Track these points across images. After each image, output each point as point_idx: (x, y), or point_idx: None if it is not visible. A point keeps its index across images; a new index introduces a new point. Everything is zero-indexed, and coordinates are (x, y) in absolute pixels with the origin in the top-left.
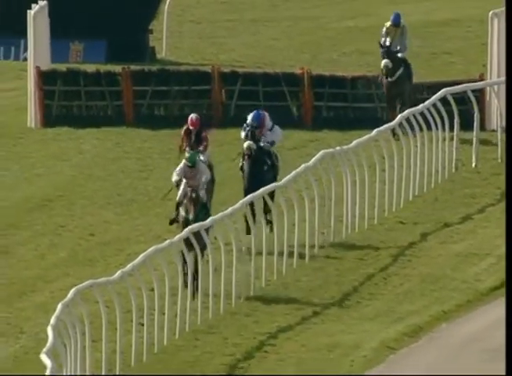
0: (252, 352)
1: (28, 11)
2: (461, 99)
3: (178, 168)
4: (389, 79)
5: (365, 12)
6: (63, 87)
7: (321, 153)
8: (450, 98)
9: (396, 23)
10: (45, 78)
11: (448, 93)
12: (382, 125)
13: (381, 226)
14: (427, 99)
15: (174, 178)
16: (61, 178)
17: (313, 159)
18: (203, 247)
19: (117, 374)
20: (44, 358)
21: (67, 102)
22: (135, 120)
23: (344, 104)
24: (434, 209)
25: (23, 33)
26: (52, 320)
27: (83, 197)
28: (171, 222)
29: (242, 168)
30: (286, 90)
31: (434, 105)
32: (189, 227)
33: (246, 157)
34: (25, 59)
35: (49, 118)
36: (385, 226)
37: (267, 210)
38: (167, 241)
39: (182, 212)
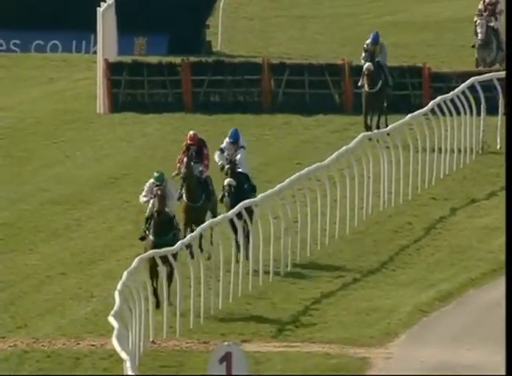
0: (298, 316)
1: (97, 8)
2: (487, 86)
3: (145, 190)
4: (371, 90)
5: (400, 9)
6: (129, 77)
7: (360, 136)
8: (477, 86)
9: (375, 41)
10: (113, 69)
11: (475, 81)
12: (415, 111)
13: (414, 202)
14: (457, 87)
15: (142, 199)
16: (126, 159)
17: (353, 141)
18: (170, 273)
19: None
20: (111, 320)
21: (132, 90)
22: (193, 106)
23: None
24: (463, 186)
25: (93, 28)
26: (119, 286)
27: (146, 175)
28: (142, 239)
29: (222, 200)
30: (329, 79)
31: (463, 92)
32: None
33: (226, 193)
34: (94, 52)
35: (116, 105)
36: (418, 202)
37: None
38: (222, 215)
39: (151, 236)
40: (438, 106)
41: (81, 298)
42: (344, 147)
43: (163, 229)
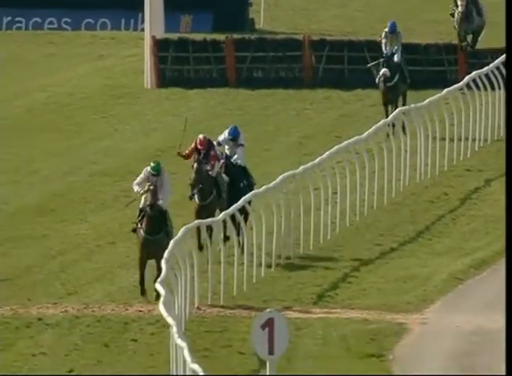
0: (338, 283)
1: None
2: None
3: (139, 177)
4: (387, 84)
5: None
6: (175, 53)
7: (398, 110)
8: None
9: (392, 30)
10: (160, 46)
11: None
12: (451, 86)
13: (450, 173)
14: (491, 62)
15: (136, 188)
16: (172, 132)
17: (390, 115)
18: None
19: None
20: (158, 287)
21: (178, 66)
22: (236, 82)
23: (417, 68)
24: (497, 158)
25: (141, 7)
26: (166, 254)
27: None
28: (133, 231)
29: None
30: (368, 55)
31: (498, 68)
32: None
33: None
34: (142, 30)
35: (163, 80)
36: (454, 173)
37: None
38: (264, 187)
39: (142, 232)
40: (473, 81)
41: (129, 266)
42: (381, 121)
43: (155, 225)
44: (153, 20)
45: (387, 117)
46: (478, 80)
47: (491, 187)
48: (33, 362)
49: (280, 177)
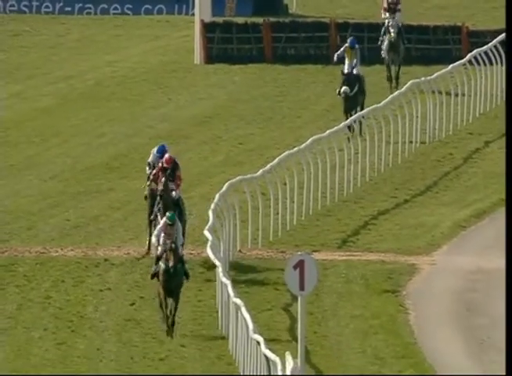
0: (358, 230)
1: None
2: None
3: (157, 229)
4: (348, 94)
5: None
6: (220, 34)
7: (410, 82)
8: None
9: (352, 45)
10: (207, 28)
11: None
12: (456, 62)
13: (455, 136)
14: (490, 42)
15: (154, 239)
16: (218, 101)
17: (404, 87)
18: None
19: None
20: (206, 233)
21: (223, 45)
22: (273, 58)
23: (427, 46)
24: (495, 123)
25: None
26: (212, 206)
27: (234, 115)
28: (152, 277)
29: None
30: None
31: (495, 46)
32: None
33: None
34: (192, 15)
35: (210, 57)
36: (458, 136)
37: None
38: (296, 148)
39: (162, 264)
40: (475, 57)
41: None
42: (396, 92)
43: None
44: (201, 6)
45: (346, 119)
46: (479, 57)
47: (489, 148)
48: (100, 296)
49: (310, 139)
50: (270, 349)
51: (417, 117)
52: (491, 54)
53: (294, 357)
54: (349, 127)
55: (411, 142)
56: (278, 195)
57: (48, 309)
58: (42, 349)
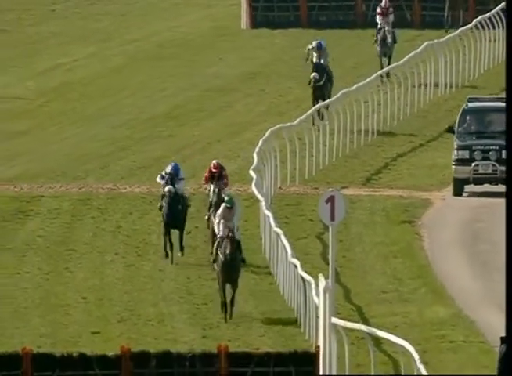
0: (380, 169)
1: None
2: None
3: (218, 213)
4: (317, 84)
5: None
6: (264, 3)
7: (424, 44)
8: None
9: (318, 47)
10: None
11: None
12: (464, 26)
13: (463, 90)
14: (493, 9)
15: (216, 228)
16: (261, 60)
17: (420, 48)
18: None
19: None
20: (251, 173)
21: (266, 12)
22: (308, 24)
23: (441, 12)
24: (496, 79)
25: None
26: (257, 149)
27: (275, 72)
28: (214, 261)
29: (161, 208)
30: (404, 4)
31: (497, 13)
32: None
33: (166, 198)
34: None
35: (255, 23)
36: (465, 89)
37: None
38: (327, 101)
39: (220, 255)
40: (480, 23)
41: (230, 157)
42: (413, 52)
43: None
44: None
45: (313, 105)
46: (483, 22)
47: None
48: (161, 227)
49: (340, 93)
50: (305, 271)
51: (431, 73)
52: (494, 20)
53: (326, 278)
54: (318, 112)
55: (425, 94)
56: (312, 140)
57: (119, 236)
58: (114, 270)
